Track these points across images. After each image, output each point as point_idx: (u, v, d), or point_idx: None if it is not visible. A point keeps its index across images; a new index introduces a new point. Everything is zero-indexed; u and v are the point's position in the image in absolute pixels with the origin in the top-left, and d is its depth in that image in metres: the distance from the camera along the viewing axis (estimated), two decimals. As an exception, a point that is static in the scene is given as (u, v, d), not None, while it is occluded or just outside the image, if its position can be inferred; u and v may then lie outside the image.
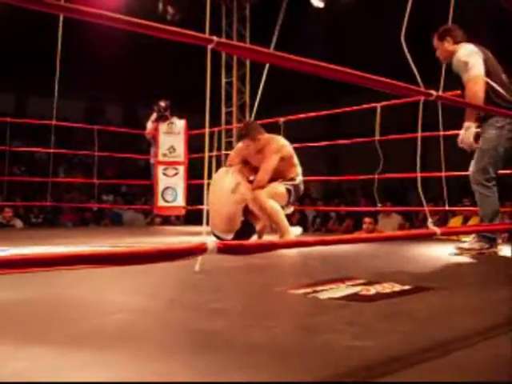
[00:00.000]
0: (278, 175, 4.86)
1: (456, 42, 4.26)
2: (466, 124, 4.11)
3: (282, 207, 4.83)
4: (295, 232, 4.89)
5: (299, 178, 4.96)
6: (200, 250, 1.35)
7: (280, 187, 4.81)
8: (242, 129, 5.08)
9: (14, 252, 3.69)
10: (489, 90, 4.07)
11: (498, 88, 4.11)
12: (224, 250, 1.39)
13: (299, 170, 4.99)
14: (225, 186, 4.80)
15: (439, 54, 4.40)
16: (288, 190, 4.84)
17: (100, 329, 1.79)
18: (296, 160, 5.02)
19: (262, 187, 4.71)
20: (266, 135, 4.97)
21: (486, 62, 4.12)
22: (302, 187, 5.01)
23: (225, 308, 2.12)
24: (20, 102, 16.80)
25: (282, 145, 4.90)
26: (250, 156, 4.96)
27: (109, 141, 12.69)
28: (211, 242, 1.40)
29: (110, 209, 11.93)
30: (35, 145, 10.20)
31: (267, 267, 3.48)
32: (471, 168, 4.20)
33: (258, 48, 1.68)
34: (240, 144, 5.09)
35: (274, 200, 4.70)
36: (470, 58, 4.10)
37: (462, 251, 4.12)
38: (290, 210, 5.21)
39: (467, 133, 4.11)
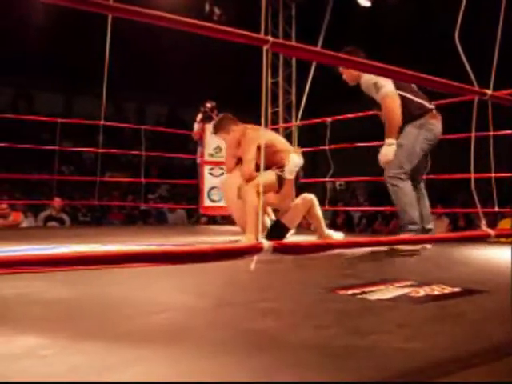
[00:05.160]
0: (268, 164, 4.80)
1: None
2: (388, 141, 4.24)
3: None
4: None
5: (292, 163, 4.68)
6: (256, 249, 1.35)
7: (269, 175, 4.78)
8: (215, 124, 5.08)
9: (63, 250, 3.76)
10: (402, 101, 4.26)
11: (411, 97, 4.31)
12: (280, 249, 1.39)
13: (291, 155, 4.74)
14: (233, 193, 4.88)
15: (346, 78, 4.59)
16: (278, 176, 4.80)
17: (148, 327, 1.81)
18: (282, 145, 4.96)
19: (250, 179, 4.69)
20: (241, 126, 4.98)
21: None
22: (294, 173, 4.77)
23: (274, 308, 2.13)
24: (68, 102, 17.12)
25: (257, 134, 4.83)
26: (233, 149, 4.98)
27: (155, 140, 12.85)
28: (266, 241, 1.40)
29: (155, 208, 12.04)
30: (83, 145, 10.38)
31: (316, 267, 3.47)
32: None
33: (315, 48, 1.66)
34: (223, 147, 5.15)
35: (266, 189, 4.71)
36: (378, 78, 4.23)
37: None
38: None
39: (389, 149, 4.24)
